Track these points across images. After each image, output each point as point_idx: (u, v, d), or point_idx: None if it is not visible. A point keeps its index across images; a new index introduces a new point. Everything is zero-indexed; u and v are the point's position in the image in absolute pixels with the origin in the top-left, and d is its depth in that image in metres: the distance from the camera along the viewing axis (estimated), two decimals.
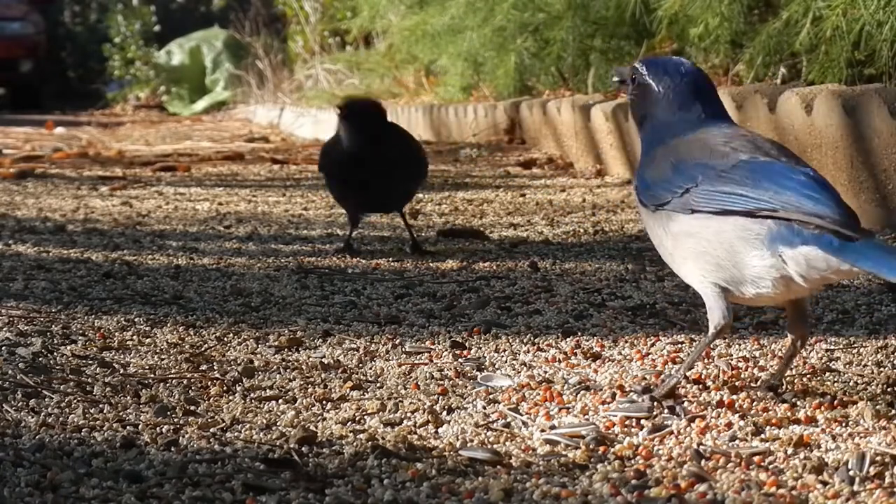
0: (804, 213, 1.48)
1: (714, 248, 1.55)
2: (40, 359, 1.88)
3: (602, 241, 3.11)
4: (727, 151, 1.58)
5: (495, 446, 1.47)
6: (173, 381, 1.79)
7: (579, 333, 2.06)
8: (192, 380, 1.79)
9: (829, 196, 1.49)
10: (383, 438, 1.50)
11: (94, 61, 19.93)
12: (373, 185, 2.91)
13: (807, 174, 1.53)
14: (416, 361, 1.90)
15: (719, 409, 1.58)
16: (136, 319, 2.20)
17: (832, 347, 1.93)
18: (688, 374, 1.75)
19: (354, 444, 1.48)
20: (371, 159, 2.88)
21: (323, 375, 1.81)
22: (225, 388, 1.75)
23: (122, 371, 1.84)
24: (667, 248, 1.63)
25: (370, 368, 1.87)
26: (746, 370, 1.79)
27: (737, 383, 1.71)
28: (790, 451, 1.43)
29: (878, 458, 1.38)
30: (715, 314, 1.59)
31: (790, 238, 1.49)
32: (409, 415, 1.61)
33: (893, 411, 1.55)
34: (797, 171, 1.53)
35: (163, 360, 1.91)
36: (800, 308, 1.63)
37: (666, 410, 1.57)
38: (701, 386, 1.70)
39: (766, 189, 1.51)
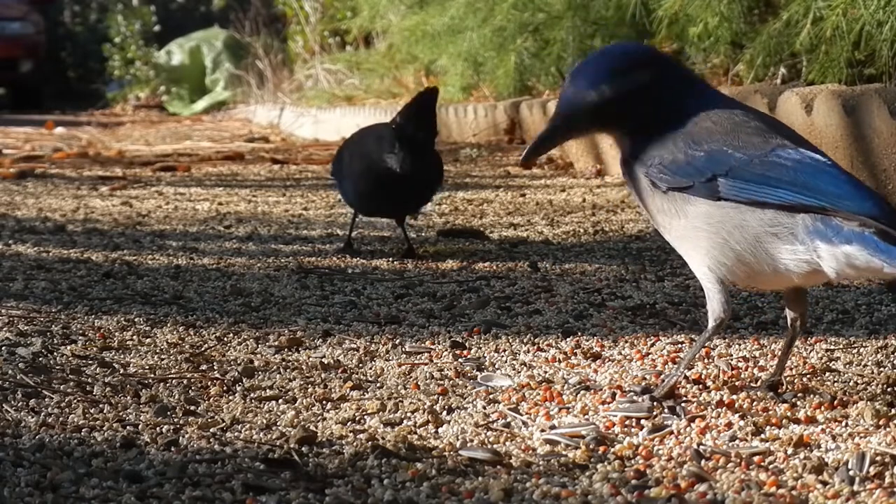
0: (853, 211, 1.43)
1: (736, 240, 1.51)
2: (40, 359, 1.88)
3: (602, 241, 3.11)
4: (757, 140, 1.52)
5: (495, 446, 1.47)
6: (173, 381, 1.79)
7: (579, 333, 2.06)
8: (192, 380, 1.79)
9: (872, 193, 1.46)
10: (383, 438, 1.50)
11: (94, 61, 19.93)
12: (405, 192, 2.86)
13: (835, 166, 1.50)
14: (416, 361, 1.90)
15: (719, 409, 1.58)
16: (136, 319, 2.20)
17: (832, 347, 1.92)
18: (688, 373, 1.75)
19: (354, 444, 1.48)
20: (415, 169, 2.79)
21: (323, 375, 1.81)
22: (225, 388, 1.75)
23: (122, 371, 1.84)
24: (675, 231, 1.57)
25: (370, 368, 1.87)
26: (746, 370, 1.79)
27: (737, 383, 1.71)
28: (790, 451, 1.43)
29: (878, 458, 1.38)
30: (715, 305, 1.57)
31: (829, 234, 1.45)
32: (409, 415, 1.61)
33: (893, 411, 1.55)
34: (829, 163, 1.49)
35: (163, 360, 1.91)
36: (801, 288, 1.62)
37: (666, 410, 1.57)
38: (701, 386, 1.70)
39: (809, 183, 1.46)
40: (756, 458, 1.40)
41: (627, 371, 1.79)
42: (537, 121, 5.50)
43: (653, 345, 1.96)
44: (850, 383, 1.72)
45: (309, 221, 3.66)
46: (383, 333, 2.09)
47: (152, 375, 1.81)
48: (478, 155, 5.68)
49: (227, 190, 4.69)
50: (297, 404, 1.66)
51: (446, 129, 6.83)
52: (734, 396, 1.63)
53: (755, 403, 1.60)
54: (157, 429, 1.54)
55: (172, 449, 1.46)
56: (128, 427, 1.55)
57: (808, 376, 1.76)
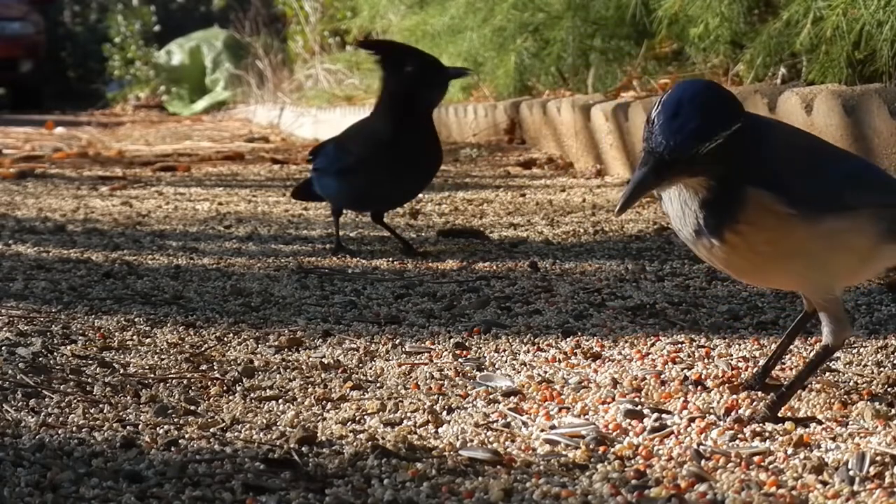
0: None
1: (859, 247, 1.50)
2: (40, 359, 1.88)
3: (602, 241, 3.11)
4: (841, 152, 1.57)
5: (495, 446, 1.47)
6: (173, 381, 1.79)
7: (579, 333, 2.06)
8: (192, 380, 1.79)
9: None
10: (383, 438, 1.50)
11: (94, 61, 19.95)
12: (411, 173, 2.95)
13: None
14: (416, 361, 1.90)
15: (719, 409, 1.58)
16: (136, 319, 2.20)
17: None
18: (688, 373, 1.76)
19: (354, 444, 1.48)
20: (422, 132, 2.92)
21: (323, 375, 1.81)
22: (225, 388, 1.75)
23: (122, 371, 1.84)
24: (806, 256, 1.48)
25: (370, 368, 1.87)
26: (746, 370, 1.79)
27: (737, 383, 1.71)
28: (790, 451, 1.43)
29: (878, 458, 1.38)
30: (844, 323, 1.54)
31: None
32: (409, 415, 1.61)
33: (893, 411, 1.55)
34: None
35: (163, 360, 1.91)
36: None
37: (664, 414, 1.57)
38: (701, 386, 1.70)
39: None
40: (756, 458, 1.40)
41: (627, 371, 1.79)
42: (537, 121, 5.50)
43: (653, 345, 1.96)
44: (850, 383, 1.72)
45: (309, 221, 3.66)
46: (383, 333, 2.09)
47: (152, 375, 1.81)
48: (478, 155, 5.68)
49: (227, 190, 4.69)
50: (297, 404, 1.66)
51: (446, 129, 6.83)
52: (734, 396, 1.63)
53: (755, 403, 1.60)
54: (157, 429, 1.54)
55: (172, 449, 1.46)
56: (128, 427, 1.55)
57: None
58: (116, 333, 2.09)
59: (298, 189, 3.37)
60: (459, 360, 1.90)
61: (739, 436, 1.48)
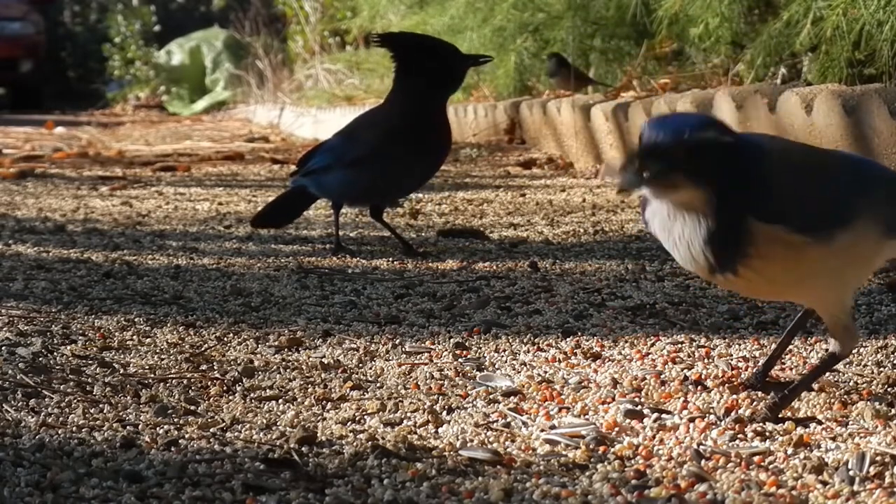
0: None
1: (867, 252, 1.52)
2: (40, 359, 1.88)
3: (602, 241, 3.11)
4: (837, 159, 1.63)
5: (495, 446, 1.47)
6: (173, 381, 1.79)
7: (579, 333, 2.06)
8: (192, 380, 1.79)
9: None
10: (383, 438, 1.50)
11: (94, 61, 19.95)
12: (423, 161, 2.97)
13: None
14: (416, 361, 1.90)
15: (719, 409, 1.58)
16: (136, 319, 2.20)
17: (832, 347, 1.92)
18: (688, 373, 1.76)
19: (354, 444, 1.48)
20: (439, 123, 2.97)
21: (323, 375, 1.81)
22: (225, 388, 1.75)
23: (122, 371, 1.84)
24: (822, 275, 1.50)
25: (370, 368, 1.87)
26: (746, 370, 1.79)
27: (737, 383, 1.71)
28: (790, 451, 1.43)
29: (878, 458, 1.38)
30: (853, 334, 1.56)
31: None
32: (409, 415, 1.61)
33: (893, 411, 1.55)
34: None
35: (163, 360, 1.91)
36: None
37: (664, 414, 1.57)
38: (701, 386, 1.70)
39: None
40: (756, 458, 1.40)
41: (627, 371, 1.79)
42: (537, 121, 5.50)
43: (653, 345, 1.96)
44: (850, 383, 1.72)
45: (309, 221, 3.66)
46: (383, 333, 2.09)
47: (152, 375, 1.81)
48: (478, 155, 5.68)
49: (227, 190, 4.69)
50: (297, 404, 1.66)
51: None
52: (734, 396, 1.63)
53: (755, 403, 1.60)
54: (157, 429, 1.54)
55: (172, 449, 1.46)
56: (128, 427, 1.55)
57: None
58: (116, 333, 2.09)
59: (264, 214, 3.22)
60: (459, 360, 1.90)
61: (739, 436, 1.48)
